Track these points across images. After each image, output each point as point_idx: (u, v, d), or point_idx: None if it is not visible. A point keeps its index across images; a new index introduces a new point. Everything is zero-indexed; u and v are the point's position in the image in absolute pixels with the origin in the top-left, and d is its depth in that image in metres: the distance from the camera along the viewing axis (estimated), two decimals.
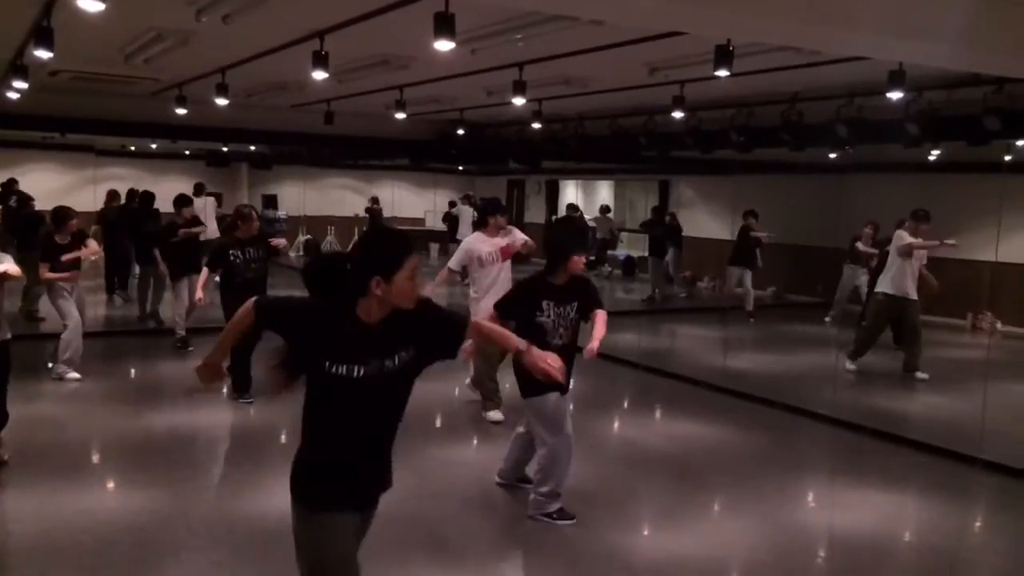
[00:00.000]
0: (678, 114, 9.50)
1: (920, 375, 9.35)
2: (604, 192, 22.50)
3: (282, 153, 19.46)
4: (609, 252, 19.48)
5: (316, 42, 7.18)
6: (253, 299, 2.78)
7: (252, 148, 19.07)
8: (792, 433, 7.49)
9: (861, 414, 7.82)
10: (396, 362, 2.64)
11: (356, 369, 2.59)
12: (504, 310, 4.83)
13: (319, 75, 7.22)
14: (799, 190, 15.27)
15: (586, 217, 18.74)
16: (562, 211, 20.32)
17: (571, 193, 22.65)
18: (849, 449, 7.09)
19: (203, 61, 9.05)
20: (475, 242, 7.15)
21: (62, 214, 8.04)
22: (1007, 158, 11.09)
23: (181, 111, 10.54)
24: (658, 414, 8.21)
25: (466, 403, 7.73)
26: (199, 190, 14.67)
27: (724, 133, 10.67)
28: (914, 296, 9.23)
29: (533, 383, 4.41)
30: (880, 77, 7.42)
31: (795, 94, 9.61)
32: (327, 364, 2.58)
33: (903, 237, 9.20)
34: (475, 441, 6.87)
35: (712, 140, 11.02)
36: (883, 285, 9.40)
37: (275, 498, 5.27)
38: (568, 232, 4.98)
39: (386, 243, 2.65)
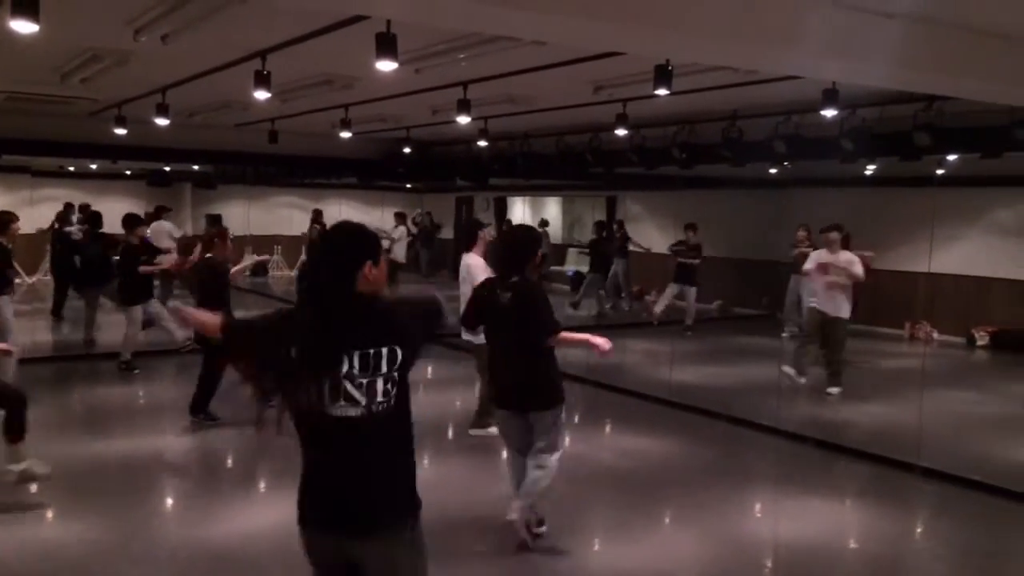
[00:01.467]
0: (622, 131, 9.62)
1: (830, 390, 9.28)
2: (552, 208, 22.65)
3: (226, 172, 19.21)
4: (554, 268, 19.58)
5: (258, 62, 7.13)
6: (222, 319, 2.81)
7: (195, 168, 18.79)
8: (737, 445, 7.60)
9: (804, 425, 7.97)
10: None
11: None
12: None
13: (261, 95, 7.16)
14: (742, 205, 15.56)
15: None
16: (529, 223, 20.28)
17: (519, 210, 22.75)
18: (793, 459, 7.22)
19: (142, 81, 8.90)
20: (478, 268, 6.94)
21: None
22: (939, 172, 11.45)
23: (120, 131, 10.35)
24: (606, 429, 8.27)
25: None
26: (159, 212, 14.48)
27: (667, 150, 10.84)
28: (835, 315, 9.11)
29: (559, 391, 4.82)
30: (815, 95, 7.63)
31: (734, 112, 9.82)
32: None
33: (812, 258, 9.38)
34: (425, 462, 6.85)
35: (655, 156, 11.18)
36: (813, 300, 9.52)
37: (222, 523, 5.19)
38: (532, 232, 5.22)
39: (367, 232, 2.72)
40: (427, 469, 6.59)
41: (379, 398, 2.56)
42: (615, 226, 16.20)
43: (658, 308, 13.61)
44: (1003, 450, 7.56)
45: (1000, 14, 5.76)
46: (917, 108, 8.26)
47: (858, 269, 9.11)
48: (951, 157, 10.25)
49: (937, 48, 5.99)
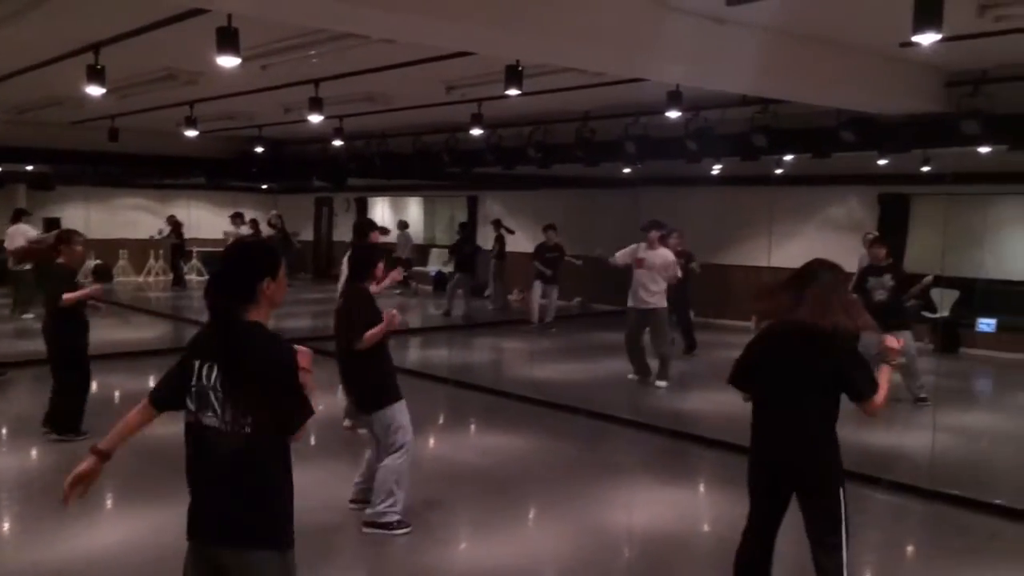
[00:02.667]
0: (477, 131, 9.67)
1: (658, 383, 9.50)
2: (413, 209, 22.51)
3: (64, 172, 18.03)
4: (417, 268, 19.48)
5: (91, 55, 6.72)
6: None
7: (30, 168, 17.54)
8: (597, 439, 7.77)
9: (659, 416, 8.25)
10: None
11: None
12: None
13: (95, 90, 6.75)
14: (600, 204, 15.97)
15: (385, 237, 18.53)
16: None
17: (380, 210, 22.48)
18: (649, 450, 7.45)
19: None
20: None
21: None
22: (777, 171, 12.12)
23: None
24: (470, 428, 8.29)
25: None
26: (17, 216, 13.88)
27: (523, 149, 10.99)
28: (653, 307, 9.30)
29: (392, 390, 5.05)
30: (662, 97, 7.91)
31: (586, 113, 10.05)
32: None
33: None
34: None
35: (512, 156, 11.31)
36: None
37: (62, 544, 4.86)
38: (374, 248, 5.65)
39: (265, 248, 2.88)
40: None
41: (228, 418, 2.60)
42: (496, 226, 16.28)
43: (534, 315, 13.78)
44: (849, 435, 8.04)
45: (825, 22, 6.14)
46: (754, 111, 8.72)
47: (672, 270, 9.33)
48: (787, 157, 10.87)
49: (771, 54, 6.35)
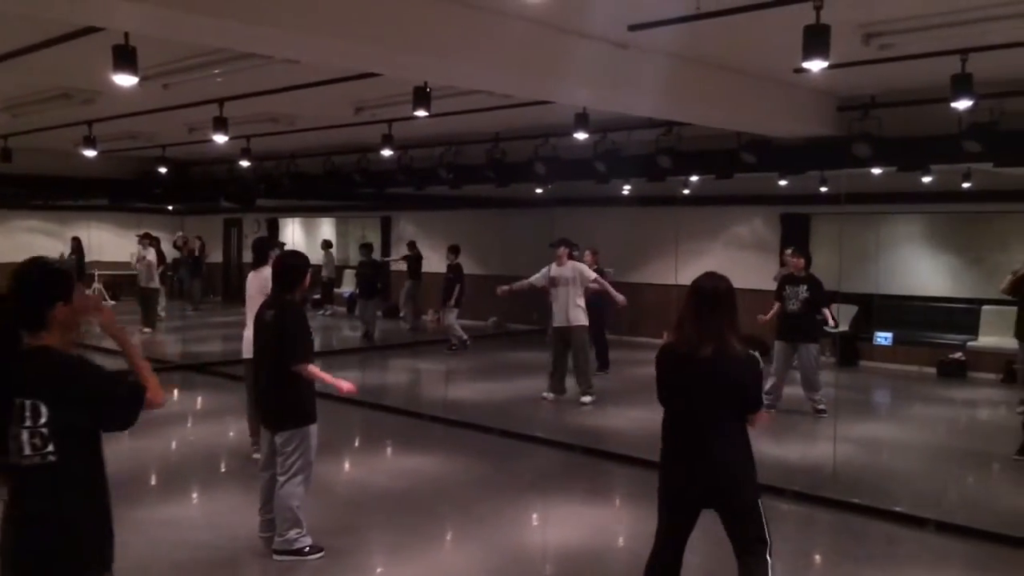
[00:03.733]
0: (388, 152, 9.63)
1: (583, 399, 9.58)
2: (326, 229, 22.22)
3: None
4: (336, 290, 19.22)
5: None
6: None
7: None
8: (512, 457, 7.77)
9: (573, 433, 8.31)
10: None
11: None
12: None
13: None
14: (513, 224, 16.07)
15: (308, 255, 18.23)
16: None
17: (291, 231, 22.10)
18: (563, 467, 7.50)
19: None
20: (253, 286, 6.83)
21: None
22: (685, 192, 12.43)
23: None
24: (384, 451, 8.18)
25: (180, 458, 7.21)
26: None
27: (434, 170, 10.98)
28: (572, 324, 9.38)
29: (311, 411, 4.92)
30: (569, 119, 8.03)
31: (497, 134, 10.13)
32: None
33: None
34: (194, 497, 6.43)
35: (424, 177, 11.30)
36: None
37: None
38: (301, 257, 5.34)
39: (54, 271, 2.67)
40: (197, 501, 6.21)
41: (27, 451, 2.51)
42: (408, 246, 16.18)
43: (455, 336, 13.72)
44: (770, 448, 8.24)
45: (723, 48, 6.35)
46: (659, 133, 8.93)
47: (588, 273, 9.51)
48: (692, 178, 11.15)
49: (672, 78, 6.53)
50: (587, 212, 14.60)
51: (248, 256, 22.57)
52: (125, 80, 5.18)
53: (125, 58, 5.06)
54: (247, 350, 6.07)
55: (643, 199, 13.71)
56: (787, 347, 8.91)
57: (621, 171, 9.87)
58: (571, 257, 9.67)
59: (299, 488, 4.96)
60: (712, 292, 3.67)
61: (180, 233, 19.87)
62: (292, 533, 4.95)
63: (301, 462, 4.95)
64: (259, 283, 6.67)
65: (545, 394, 9.81)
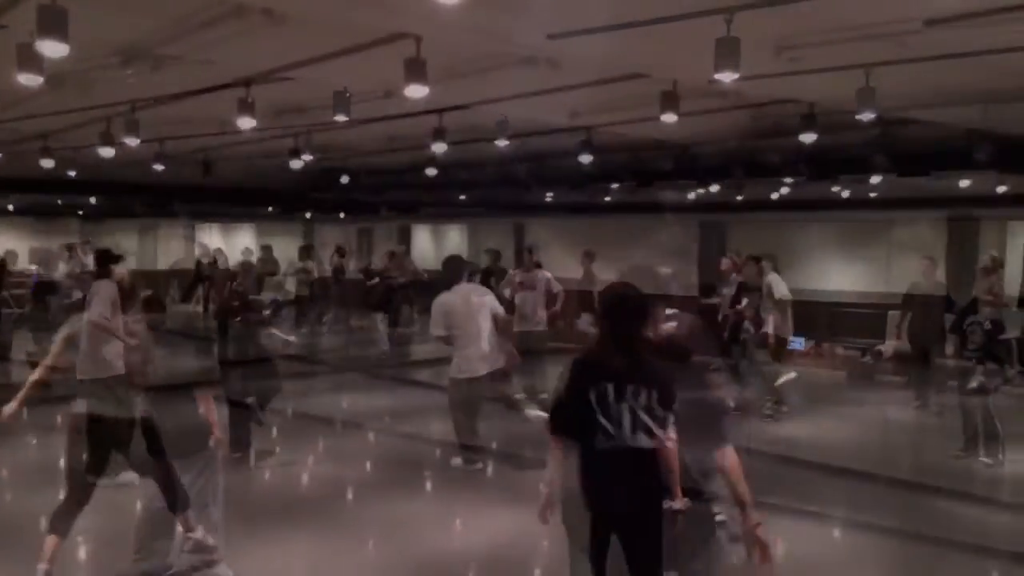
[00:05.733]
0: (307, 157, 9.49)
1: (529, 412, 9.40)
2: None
3: None
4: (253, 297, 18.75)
5: None
6: None
7: None
8: (439, 464, 7.69)
9: (500, 440, 8.22)
10: None
11: None
12: None
13: None
14: (440, 231, 15.99)
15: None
16: None
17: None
18: (487, 473, 7.46)
19: None
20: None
21: None
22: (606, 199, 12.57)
23: None
24: (307, 459, 8.01)
25: None
26: None
27: (356, 175, 10.85)
28: (537, 327, 9.59)
29: (202, 438, 4.62)
30: (491, 126, 8.03)
31: (422, 143, 10.03)
32: None
33: None
34: None
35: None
36: None
37: None
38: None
39: None
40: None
41: None
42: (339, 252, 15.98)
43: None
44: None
45: (641, 58, 6.44)
46: (580, 140, 9.03)
47: (553, 284, 9.83)
48: (613, 186, 11.31)
49: (592, 87, 6.60)
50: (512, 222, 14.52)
51: (163, 262, 21.69)
52: (30, 80, 4.97)
53: (29, 58, 4.84)
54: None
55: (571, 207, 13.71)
56: None
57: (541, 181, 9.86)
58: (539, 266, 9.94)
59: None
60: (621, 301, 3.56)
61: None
62: (198, 533, 4.69)
63: (205, 490, 4.74)
64: None
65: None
